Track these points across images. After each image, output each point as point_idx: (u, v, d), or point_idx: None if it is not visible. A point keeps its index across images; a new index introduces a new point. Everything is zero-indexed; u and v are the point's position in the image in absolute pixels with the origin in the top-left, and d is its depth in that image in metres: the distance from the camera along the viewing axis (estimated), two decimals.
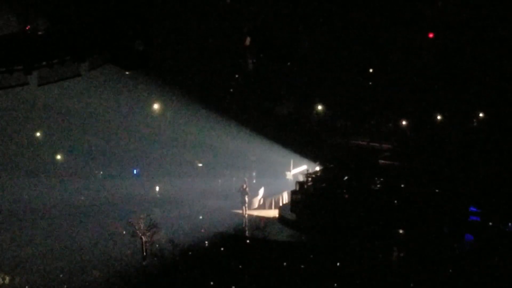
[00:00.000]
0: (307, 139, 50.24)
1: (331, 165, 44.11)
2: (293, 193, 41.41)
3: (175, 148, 50.05)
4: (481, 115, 46.42)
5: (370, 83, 48.98)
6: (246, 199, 42.89)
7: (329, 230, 35.62)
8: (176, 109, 49.81)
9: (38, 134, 49.33)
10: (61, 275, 30.92)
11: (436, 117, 47.33)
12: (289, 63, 50.36)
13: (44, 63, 20.96)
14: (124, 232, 34.38)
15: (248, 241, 33.76)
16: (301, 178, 43.80)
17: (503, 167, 38.74)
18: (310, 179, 41.99)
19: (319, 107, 51.16)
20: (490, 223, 34.71)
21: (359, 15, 46.78)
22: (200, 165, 51.89)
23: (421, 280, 28.30)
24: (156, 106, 50.72)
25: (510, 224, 34.35)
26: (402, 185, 38.94)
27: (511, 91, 43.28)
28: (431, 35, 46.45)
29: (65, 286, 29.99)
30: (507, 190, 36.11)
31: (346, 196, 38.93)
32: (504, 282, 27.88)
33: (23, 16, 21.03)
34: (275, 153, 48.06)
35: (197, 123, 49.57)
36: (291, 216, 40.35)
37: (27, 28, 21.03)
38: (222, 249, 32.00)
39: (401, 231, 35.22)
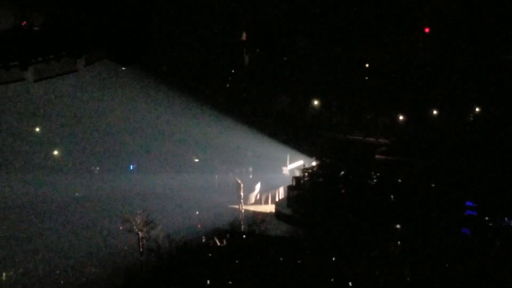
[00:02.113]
0: (304, 134, 50.23)
1: (328, 160, 44.15)
2: (289, 188, 41.47)
3: (171, 143, 50.00)
4: (477, 109, 46.42)
5: (366, 78, 48.96)
6: (242, 194, 42.90)
7: (326, 225, 35.66)
8: (172, 104, 49.73)
9: (35, 130, 49.24)
10: (57, 271, 30.98)
11: (433, 112, 47.32)
12: (285, 59, 50.34)
13: (40, 58, 20.96)
14: (121, 228, 34.41)
15: (244, 236, 33.75)
16: (298, 173, 43.84)
17: (500, 162, 38.80)
18: (306, 174, 42.06)
19: (315, 102, 51.14)
20: (486, 218, 34.78)
21: (356, 11, 46.76)
22: (197, 160, 51.84)
23: (417, 273, 28.40)
24: (153, 101, 50.62)
25: (506, 218, 34.43)
26: (399, 180, 38.99)
27: (508, 86, 43.30)
28: (427, 30, 46.43)
29: (62, 282, 30.08)
30: (503, 185, 36.19)
31: (343, 191, 38.98)
32: (501, 275, 27.99)
33: (19, 12, 21.01)
34: (272, 148, 48.03)
35: (194, 118, 49.51)
36: (287, 211, 40.37)
37: (23, 23, 21.01)
38: (218, 244, 32.05)
39: (398, 226, 35.28)
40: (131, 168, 50.55)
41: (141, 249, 32.63)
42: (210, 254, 30.71)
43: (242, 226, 37.11)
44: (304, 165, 45.48)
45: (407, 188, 37.64)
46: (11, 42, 20.49)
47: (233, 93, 51.98)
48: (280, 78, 50.27)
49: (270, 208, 43.29)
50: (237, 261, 29.43)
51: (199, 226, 37.22)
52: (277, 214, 41.05)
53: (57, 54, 21.20)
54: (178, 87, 48.62)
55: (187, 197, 44.21)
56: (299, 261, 29.70)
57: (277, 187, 46.99)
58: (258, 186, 46.85)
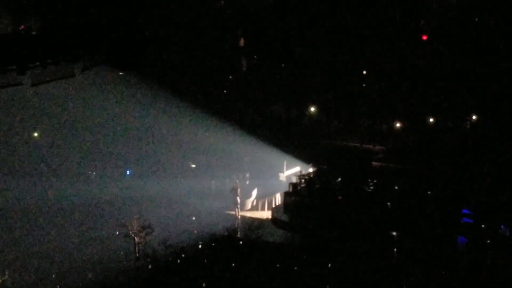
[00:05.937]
0: (301, 141, 50.29)
1: (324, 167, 44.18)
2: (286, 195, 41.41)
3: (168, 149, 50.03)
4: (474, 117, 46.56)
5: (364, 85, 49.10)
6: (238, 200, 42.85)
7: (322, 232, 35.67)
8: (170, 110, 49.77)
9: (33, 135, 49.28)
10: (53, 276, 30.92)
11: (429, 119, 47.45)
12: (283, 65, 50.46)
13: (37, 63, 20.98)
14: (117, 233, 34.39)
15: (241, 242, 33.72)
16: (295, 180, 43.81)
17: (496, 170, 38.88)
18: (303, 180, 42.01)
19: (312, 109, 51.23)
20: (483, 225, 34.80)
21: (353, 18, 46.91)
22: (193, 166, 51.80)
23: (414, 280, 28.40)
24: (150, 106, 50.67)
25: (502, 226, 34.45)
26: (395, 187, 39.02)
27: (504, 94, 43.46)
28: (424, 37, 46.61)
29: (58, 287, 30.01)
30: (499, 193, 36.24)
31: (339, 197, 38.99)
32: (496, 282, 28.03)
33: (17, 16, 21.06)
34: (269, 154, 48.05)
35: (191, 124, 49.56)
36: (284, 217, 40.35)
37: (21, 28, 21.06)
38: (215, 250, 32.01)
39: (394, 233, 35.28)
40: (128, 173, 50.50)
41: (137, 254, 32.62)
42: (206, 260, 30.66)
43: (239, 232, 37.06)
44: (301, 172, 45.45)
45: (404, 195, 37.66)
46: (9, 46, 20.52)
47: (230, 99, 52.04)
48: (278, 84, 50.41)
49: (266, 214, 43.20)
50: (233, 267, 29.41)
51: (195, 231, 37.18)
52: (274, 220, 41.01)
53: (54, 59, 21.23)
54: (175, 93, 48.69)
55: (184, 202, 44.15)
56: (295, 267, 29.68)
57: (274, 193, 46.89)
58: (254, 192, 46.77)
